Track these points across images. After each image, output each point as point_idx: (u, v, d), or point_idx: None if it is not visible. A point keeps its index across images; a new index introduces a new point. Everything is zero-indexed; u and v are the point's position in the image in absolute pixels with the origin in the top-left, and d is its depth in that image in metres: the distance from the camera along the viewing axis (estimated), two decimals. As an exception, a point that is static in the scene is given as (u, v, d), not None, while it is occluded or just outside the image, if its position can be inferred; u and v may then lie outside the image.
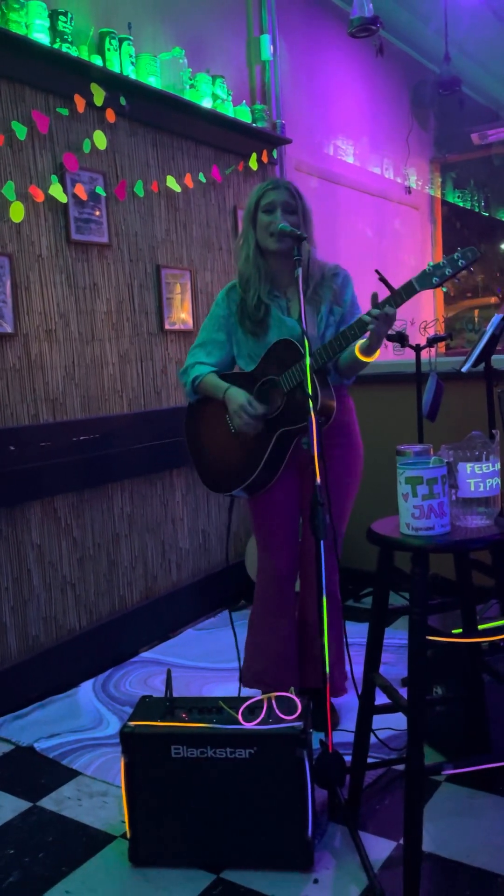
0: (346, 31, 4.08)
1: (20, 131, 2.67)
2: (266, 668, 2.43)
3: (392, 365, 3.59)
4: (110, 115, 2.99)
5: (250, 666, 2.48)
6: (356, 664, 2.29)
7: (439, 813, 1.97)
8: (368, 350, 2.15)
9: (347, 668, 2.42)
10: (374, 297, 2.08)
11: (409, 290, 2.03)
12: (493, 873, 1.74)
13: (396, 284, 2.11)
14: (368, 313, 2.05)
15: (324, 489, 1.90)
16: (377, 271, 2.10)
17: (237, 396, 2.28)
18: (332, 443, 2.29)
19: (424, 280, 2.01)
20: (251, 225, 2.31)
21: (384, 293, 2.11)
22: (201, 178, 3.49)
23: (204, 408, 2.43)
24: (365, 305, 2.14)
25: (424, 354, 3.06)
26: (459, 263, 1.98)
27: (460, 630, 2.07)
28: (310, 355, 2.12)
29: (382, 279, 2.06)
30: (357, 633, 2.93)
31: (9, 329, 2.68)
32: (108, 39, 2.97)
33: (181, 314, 3.41)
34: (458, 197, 6.40)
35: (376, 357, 2.20)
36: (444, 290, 5.81)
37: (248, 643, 2.50)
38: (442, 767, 1.76)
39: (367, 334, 2.09)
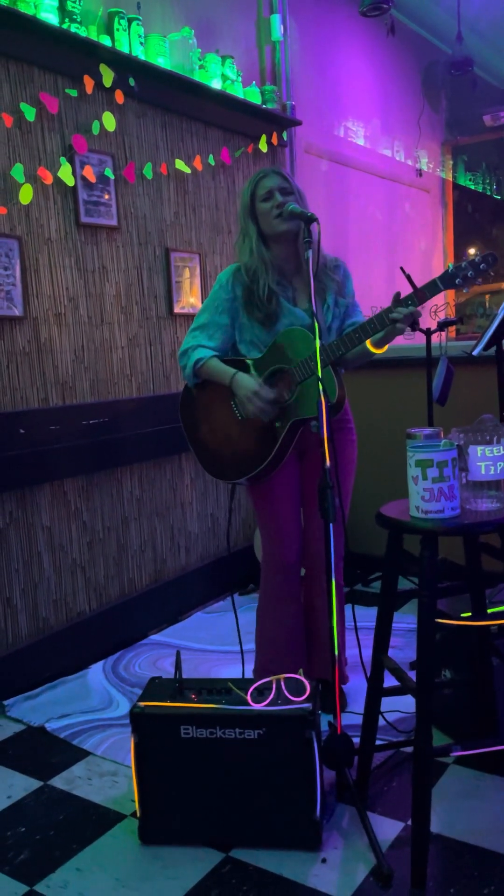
0: (358, 11, 4.03)
1: (29, 113, 2.66)
2: (274, 657, 2.43)
3: (402, 349, 3.57)
4: (119, 97, 2.97)
5: (260, 657, 2.48)
6: (365, 647, 2.29)
7: (447, 794, 1.98)
8: (381, 343, 2.16)
9: (354, 651, 2.43)
10: (397, 295, 2.08)
11: (432, 289, 2.04)
12: (500, 854, 1.75)
13: (408, 269, 2.11)
14: (396, 311, 2.05)
15: (333, 472, 1.90)
16: (402, 269, 2.11)
17: (247, 382, 2.24)
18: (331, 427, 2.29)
19: (448, 280, 2.03)
20: (250, 219, 2.29)
21: (401, 286, 2.10)
22: (210, 160, 3.47)
23: (204, 393, 2.39)
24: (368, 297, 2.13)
25: (435, 338, 3.04)
26: (481, 267, 2.02)
27: (469, 613, 2.07)
28: (326, 347, 2.13)
29: (407, 277, 2.07)
30: (366, 616, 2.93)
31: (18, 312, 2.68)
32: (117, 19, 2.94)
33: (190, 298, 3.40)
34: (470, 180, 6.34)
35: (385, 349, 2.21)
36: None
37: (258, 634, 2.50)
38: (450, 749, 1.76)
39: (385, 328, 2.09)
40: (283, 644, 2.43)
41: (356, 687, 2.52)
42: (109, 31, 2.94)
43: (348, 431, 2.41)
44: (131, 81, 2.98)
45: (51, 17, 2.66)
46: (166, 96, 3.19)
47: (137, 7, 3.05)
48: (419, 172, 5.58)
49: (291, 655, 2.42)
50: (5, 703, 2.60)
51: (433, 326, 2.99)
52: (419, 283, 2.06)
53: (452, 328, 3.15)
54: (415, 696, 1.69)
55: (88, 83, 2.84)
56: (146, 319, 3.21)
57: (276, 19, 3.89)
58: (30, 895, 1.72)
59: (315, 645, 2.48)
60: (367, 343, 2.16)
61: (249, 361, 2.31)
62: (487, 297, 6.54)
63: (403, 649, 2.79)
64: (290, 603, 2.44)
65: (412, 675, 1.94)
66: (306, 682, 1.85)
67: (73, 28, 2.73)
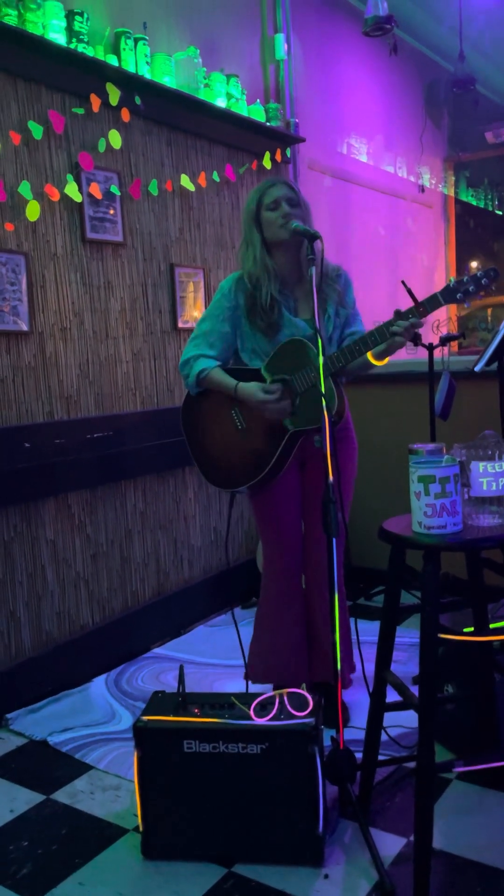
0: (361, 30, 4.08)
1: (36, 131, 2.70)
2: (275, 662, 2.44)
3: (405, 364, 3.59)
4: (125, 115, 3.01)
5: (259, 662, 2.49)
6: (367, 662, 2.30)
7: (449, 810, 1.98)
8: (382, 355, 2.18)
9: (357, 660, 2.43)
10: (398, 310, 2.09)
11: (433, 303, 2.05)
12: (503, 870, 1.75)
13: (410, 283, 2.13)
14: (396, 324, 2.06)
15: (336, 487, 1.92)
16: (403, 282, 2.12)
17: (251, 390, 2.24)
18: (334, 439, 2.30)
19: (449, 295, 2.04)
20: (254, 226, 2.31)
21: (404, 300, 2.12)
22: (215, 176, 3.50)
23: (206, 402, 2.41)
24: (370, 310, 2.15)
25: (437, 353, 3.06)
26: (482, 282, 2.03)
27: (471, 629, 2.08)
28: (327, 358, 2.14)
29: (409, 291, 2.09)
30: (368, 631, 2.93)
31: (24, 327, 2.70)
32: (123, 39, 2.98)
33: (194, 312, 3.42)
34: (472, 195, 6.38)
35: (386, 361, 2.22)
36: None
37: (254, 640, 2.51)
38: (452, 765, 1.76)
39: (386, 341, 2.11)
40: (283, 649, 2.44)
41: (358, 702, 2.52)
42: (116, 50, 2.98)
43: (349, 440, 2.43)
44: (137, 100, 3.01)
45: (58, 38, 2.70)
46: (172, 114, 3.23)
47: (144, 27, 3.10)
48: (421, 188, 5.62)
49: (292, 660, 2.43)
50: (8, 716, 2.60)
51: (435, 341, 3.01)
52: (420, 299, 2.08)
53: (455, 343, 3.17)
54: (417, 711, 1.69)
55: (95, 102, 2.88)
56: (150, 334, 3.23)
57: (280, 38, 3.94)
58: (32, 910, 1.72)
59: (315, 649, 2.48)
60: (369, 355, 2.18)
61: (264, 373, 2.31)
62: (489, 311, 6.56)
63: (406, 664, 2.79)
64: (291, 609, 2.45)
65: (415, 689, 1.94)
66: (309, 697, 1.85)
67: (81, 48, 2.77)
